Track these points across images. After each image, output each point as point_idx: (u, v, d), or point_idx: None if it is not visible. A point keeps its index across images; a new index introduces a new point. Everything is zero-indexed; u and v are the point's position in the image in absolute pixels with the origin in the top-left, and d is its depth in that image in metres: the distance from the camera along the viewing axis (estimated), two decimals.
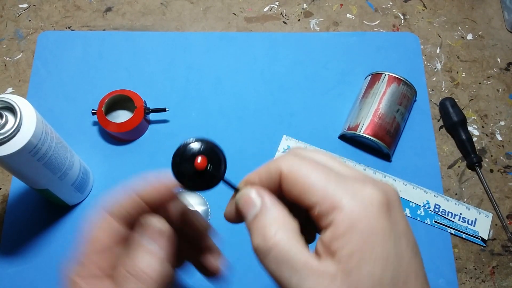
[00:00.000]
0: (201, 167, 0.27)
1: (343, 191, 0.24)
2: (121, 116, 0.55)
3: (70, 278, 0.28)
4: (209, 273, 0.33)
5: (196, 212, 0.32)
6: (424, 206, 0.53)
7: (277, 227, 0.25)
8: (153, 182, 0.28)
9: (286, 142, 0.55)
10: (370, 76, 0.57)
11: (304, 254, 0.23)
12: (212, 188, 0.29)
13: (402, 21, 0.65)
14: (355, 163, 0.54)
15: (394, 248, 0.23)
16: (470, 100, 0.60)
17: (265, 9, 0.65)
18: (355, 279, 0.22)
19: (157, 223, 0.28)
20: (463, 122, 0.56)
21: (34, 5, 0.63)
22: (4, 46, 0.61)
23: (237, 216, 0.28)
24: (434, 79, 0.61)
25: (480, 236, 0.52)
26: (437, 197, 0.53)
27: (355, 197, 0.23)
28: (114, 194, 0.29)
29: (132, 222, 0.29)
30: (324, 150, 0.28)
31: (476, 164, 0.54)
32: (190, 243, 0.32)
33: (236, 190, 0.28)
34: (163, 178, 0.28)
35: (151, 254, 0.27)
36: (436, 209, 0.52)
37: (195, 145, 0.28)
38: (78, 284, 0.27)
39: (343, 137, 0.56)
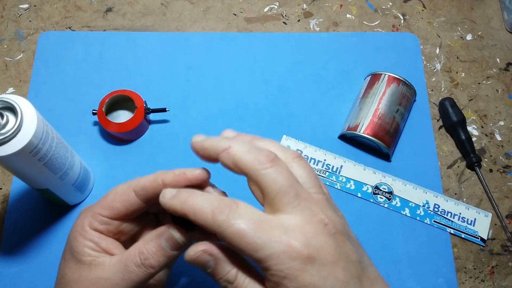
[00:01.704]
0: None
1: (267, 247, 0.27)
2: (122, 116, 0.55)
3: (83, 223, 0.34)
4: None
5: None
6: (423, 206, 0.53)
7: (235, 270, 0.30)
8: (178, 174, 0.33)
9: (286, 142, 0.55)
10: (369, 76, 0.57)
11: (260, 287, 0.29)
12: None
13: (402, 21, 0.65)
14: (355, 163, 0.54)
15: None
16: (469, 100, 0.60)
17: (265, 10, 0.65)
18: None
19: (178, 235, 0.33)
20: (462, 122, 0.56)
21: (34, 6, 0.64)
22: (5, 46, 0.61)
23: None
24: (434, 79, 0.61)
25: (479, 236, 0.52)
26: (436, 197, 0.53)
27: (279, 256, 0.27)
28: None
29: (149, 200, 0.34)
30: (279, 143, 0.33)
31: (476, 164, 0.54)
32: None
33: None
34: (187, 173, 0.33)
35: (165, 255, 0.33)
36: (436, 209, 0.53)
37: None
38: (86, 231, 0.34)
39: (343, 137, 0.56)
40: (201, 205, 0.30)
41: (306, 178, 0.31)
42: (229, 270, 0.30)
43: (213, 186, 0.35)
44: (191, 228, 0.34)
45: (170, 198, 0.31)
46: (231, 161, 0.31)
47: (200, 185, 0.35)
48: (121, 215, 0.35)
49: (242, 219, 0.28)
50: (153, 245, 0.33)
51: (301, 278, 0.27)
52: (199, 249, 0.30)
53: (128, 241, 0.37)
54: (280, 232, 0.28)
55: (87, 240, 0.34)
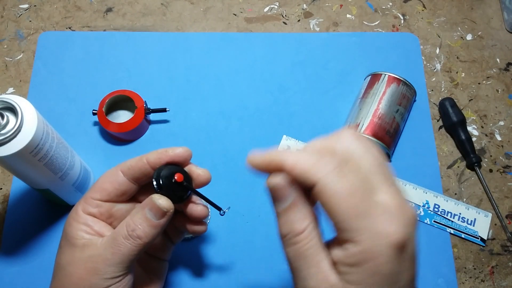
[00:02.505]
0: (180, 180, 0.35)
1: (366, 228, 0.25)
2: (122, 116, 0.55)
3: (76, 209, 0.36)
4: (194, 222, 0.39)
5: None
6: (423, 206, 0.53)
7: (306, 223, 0.27)
8: (160, 152, 0.36)
9: (286, 142, 0.55)
10: (369, 76, 0.57)
11: (320, 256, 0.27)
12: (185, 199, 0.37)
13: (402, 21, 0.65)
14: None
15: (391, 285, 0.26)
16: (469, 100, 0.60)
17: (265, 10, 0.65)
18: None
19: (161, 202, 0.34)
20: (462, 122, 0.56)
21: (34, 6, 0.64)
22: (5, 46, 0.61)
23: (264, 170, 0.29)
24: (434, 79, 0.61)
25: (479, 236, 0.52)
26: (436, 197, 0.53)
27: (375, 237, 0.25)
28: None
29: (136, 179, 0.37)
30: (375, 152, 0.29)
31: (476, 164, 0.54)
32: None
33: (209, 201, 0.37)
34: (169, 151, 0.36)
35: (151, 225, 0.34)
36: (436, 209, 0.53)
37: (172, 167, 0.36)
38: (80, 216, 0.35)
39: None
40: (297, 158, 0.27)
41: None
42: (301, 219, 0.27)
43: (195, 166, 0.38)
44: (178, 201, 0.36)
45: (262, 156, 0.29)
46: (298, 171, 0.27)
47: (181, 163, 0.37)
48: (112, 195, 0.37)
49: (344, 180, 0.26)
50: (138, 216, 0.34)
51: (389, 266, 0.25)
52: (284, 182, 0.27)
53: None
54: (380, 209, 0.26)
55: (81, 224, 0.35)
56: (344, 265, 0.26)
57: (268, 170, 0.29)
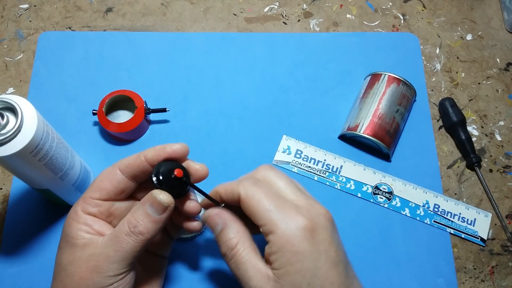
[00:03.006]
0: (179, 175, 0.36)
1: (280, 219, 0.33)
2: (122, 116, 0.55)
3: (76, 209, 0.35)
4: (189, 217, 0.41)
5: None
6: (423, 206, 0.53)
7: (237, 239, 0.35)
8: (158, 149, 0.36)
9: (286, 142, 0.55)
10: (369, 76, 0.57)
11: (254, 260, 0.34)
12: (184, 194, 0.37)
13: (402, 21, 0.65)
14: (355, 163, 0.54)
15: (311, 263, 0.32)
16: (469, 100, 0.60)
17: (265, 10, 0.65)
18: (282, 283, 0.32)
19: (162, 197, 0.35)
20: (462, 122, 0.56)
21: (34, 6, 0.64)
22: (5, 46, 0.61)
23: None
24: (434, 79, 0.61)
25: (479, 236, 0.52)
26: (436, 197, 0.53)
27: (287, 224, 0.33)
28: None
29: (134, 176, 0.37)
30: (285, 175, 0.38)
31: (476, 164, 0.54)
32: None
33: (207, 195, 0.38)
34: (166, 147, 0.37)
35: (152, 220, 0.34)
36: (436, 209, 0.53)
37: (170, 163, 0.37)
38: (79, 216, 0.35)
39: (343, 137, 0.56)
40: (226, 184, 0.37)
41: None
42: (232, 237, 0.35)
43: (193, 161, 0.39)
44: (178, 197, 0.37)
45: (202, 202, 0.39)
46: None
47: (179, 159, 0.38)
48: (111, 194, 0.37)
49: (260, 188, 0.35)
50: (139, 212, 0.34)
51: (302, 245, 0.32)
52: (214, 212, 0.36)
53: None
54: (290, 206, 0.34)
55: (81, 224, 0.35)
56: (270, 255, 0.33)
57: (208, 205, 0.39)
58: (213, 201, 0.40)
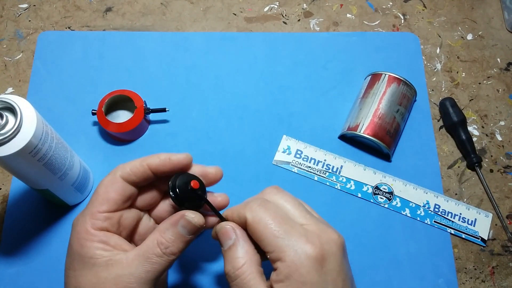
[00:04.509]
0: (195, 187, 0.35)
1: (289, 246, 0.31)
2: (121, 116, 0.55)
3: (86, 228, 0.34)
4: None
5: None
6: (424, 206, 0.53)
7: (244, 260, 0.33)
8: (163, 159, 0.36)
9: (286, 142, 0.55)
10: (370, 76, 0.57)
11: (260, 285, 0.32)
12: (201, 206, 0.37)
13: (402, 21, 0.65)
14: (355, 163, 0.54)
15: None
16: (470, 100, 0.60)
17: (265, 9, 0.65)
18: None
19: (196, 219, 0.34)
20: (463, 122, 0.56)
21: (34, 5, 0.64)
22: (4, 46, 0.61)
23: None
24: (434, 79, 0.61)
25: (480, 236, 0.52)
26: (437, 197, 0.53)
27: (296, 252, 0.31)
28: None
29: (136, 183, 0.36)
30: (293, 197, 0.36)
31: (476, 164, 0.54)
32: None
33: (216, 211, 0.37)
34: (172, 158, 0.36)
35: (184, 240, 0.34)
36: (436, 209, 0.52)
37: (184, 176, 0.36)
38: (92, 234, 0.34)
39: (343, 137, 0.56)
40: (233, 207, 0.36)
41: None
42: (240, 256, 0.33)
43: (205, 166, 0.38)
44: (196, 209, 0.36)
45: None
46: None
47: (183, 169, 0.37)
48: (119, 204, 0.36)
49: (267, 211, 0.33)
50: (171, 233, 0.34)
51: (310, 276, 0.31)
52: (229, 225, 0.35)
53: (128, 237, 0.37)
54: (299, 231, 0.32)
55: (96, 242, 0.34)
56: (276, 282, 0.31)
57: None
58: (221, 219, 0.39)
